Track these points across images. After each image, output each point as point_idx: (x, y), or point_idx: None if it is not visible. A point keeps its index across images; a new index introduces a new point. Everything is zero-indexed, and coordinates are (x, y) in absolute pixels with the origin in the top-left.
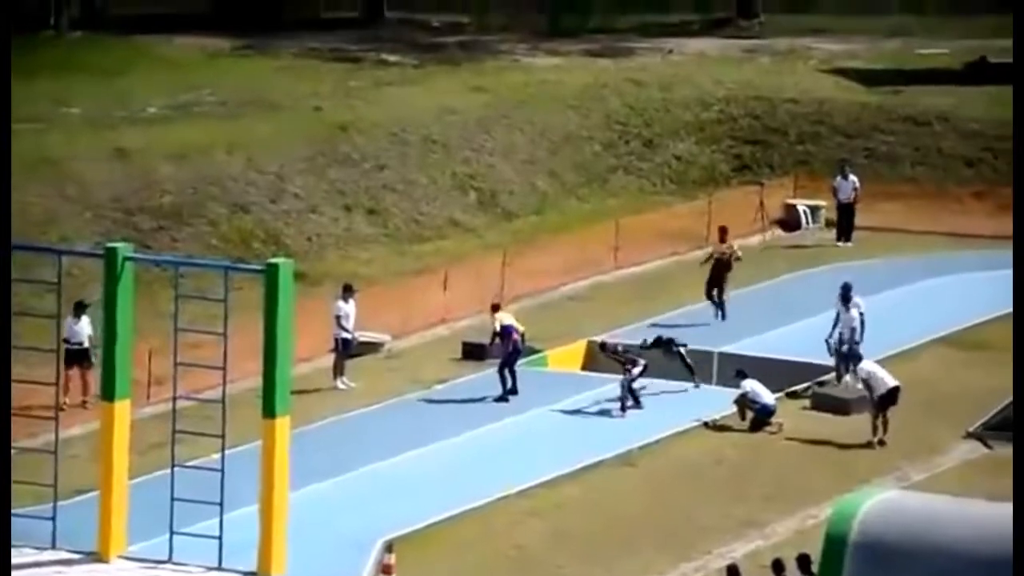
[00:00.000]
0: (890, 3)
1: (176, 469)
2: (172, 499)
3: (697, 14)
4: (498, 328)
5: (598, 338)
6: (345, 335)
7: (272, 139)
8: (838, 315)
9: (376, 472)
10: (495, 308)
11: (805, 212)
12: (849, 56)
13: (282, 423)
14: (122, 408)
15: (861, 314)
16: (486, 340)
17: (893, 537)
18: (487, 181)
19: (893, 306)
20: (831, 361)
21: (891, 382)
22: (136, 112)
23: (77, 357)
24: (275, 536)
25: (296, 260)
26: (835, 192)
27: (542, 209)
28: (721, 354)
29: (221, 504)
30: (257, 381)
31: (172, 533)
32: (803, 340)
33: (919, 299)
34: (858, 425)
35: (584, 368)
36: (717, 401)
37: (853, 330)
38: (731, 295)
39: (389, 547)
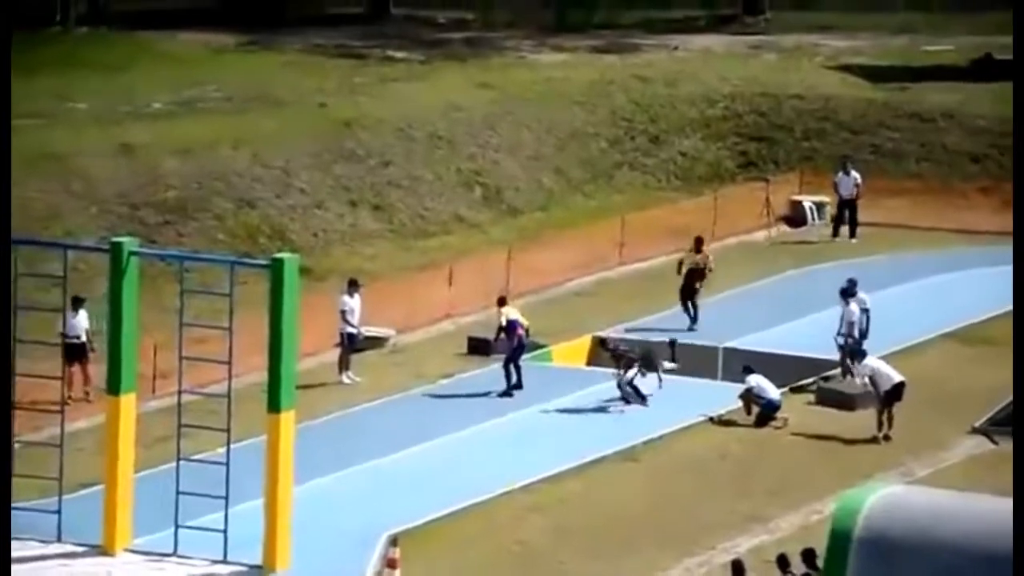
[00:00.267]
0: (896, 0)
1: (181, 463)
2: (177, 493)
3: (703, 10)
4: (503, 323)
5: (602, 334)
6: (350, 330)
7: (277, 135)
8: (852, 312)
9: (381, 467)
10: (501, 302)
11: (811, 208)
12: (855, 53)
13: (287, 417)
14: (127, 402)
15: (866, 310)
16: (491, 335)
17: (898, 532)
18: (492, 177)
19: (899, 302)
20: (837, 356)
21: (896, 378)
22: (141, 107)
23: (76, 351)
24: (280, 530)
25: (302, 255)
26: (836, 188)
27: (548, 205)
28: (726, 349)
29: (226, 498)
30: (262, 376)
31: (177, 526)
32: (808, 336)
33: (925, 295)
34: (863, 420)
35: (589, 363)
36: (722, 396)
37: (851, 324)
38: (737, 291)
39: (394, 541)
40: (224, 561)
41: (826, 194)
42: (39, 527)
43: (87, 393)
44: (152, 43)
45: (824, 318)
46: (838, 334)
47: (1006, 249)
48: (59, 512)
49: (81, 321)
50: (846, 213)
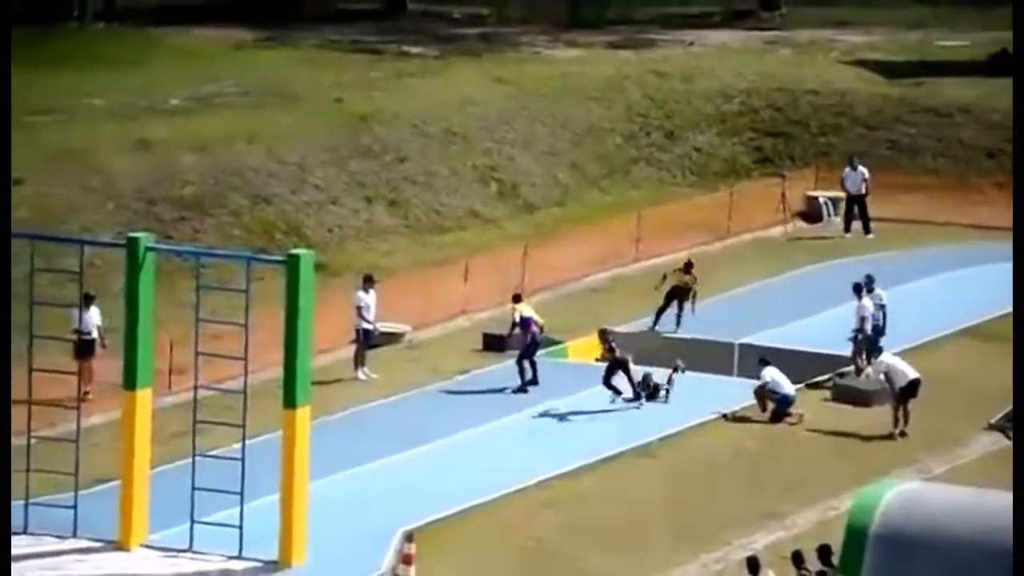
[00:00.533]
0: None
1: (197, 459)
2: (193, 488)
3: (718, 6)
4: (517, 319)
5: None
6: (366, 326)
7: (293, 130)
8: (864, 306)
9: (396, 463)
10: (516, 299)
11: (826, 204)
12: (870, 48)
13: (303, 413)
14: (144, 397)
15: (883, 306)
16: (507, 331)
17: (914, 528)
18: (508, 173)
19: (915, 298)
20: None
21: (912, 374)
22: (158, 103)
23: (86, 348)
24: (295, 525)
25: (317, 251)
26: (843, 183)
27: (563, 201)
28: (742, 345)
29: (242, 494)
30: (278, 371)
31: (193, 522)
32: (824, 332)
33: (941, 291)
34: (879, 417)
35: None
36: (738, 392)
37: (863, 319)
38: (753, 287)
39: (409, 537)
40: (240, 557)
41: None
42: (55, 522)
43: (86, 392)
44: (169, 39)
45: (840, 314)
46: (852, 330)
47: None
48: (75, 507)
49: (93, 318)
50: (855, 209)
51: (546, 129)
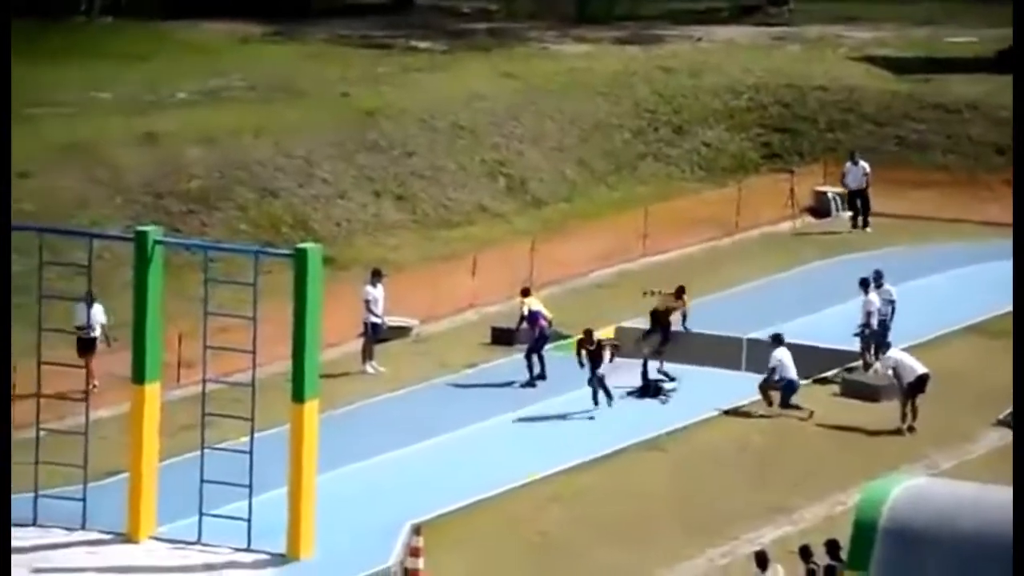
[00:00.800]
0: None
1: (206, 451)
2: (202, 481)
3: (726, 1)
4: (526, 313)
5: (625, 324)
6: (374, 320)
7: (300, 125)
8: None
9: (404, 456)
10: (525, 293)
11: (835, 199)
12: (879, 44)
13: (311, 407)
14: (152, 390)
15: (892, 302)
16: (515, 325)
17: (922, 523)
18: (516, 168)
19: (924, 294)
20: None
21: (920, 369)
22: (166, 97)
23: (88, 344)
24: (303, 518)
25: (325, 245)
26: (843, 178)
27: (571, 196)
28: (750, 340)
29: (250, 486)
30: (286, 365)
31: (201, 515)
32: (832, 327)
33: (949, 287)
34: (887, 412)
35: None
36: (746, 388)
37: (869, 314)
38: (761, 282)
39: (417, 530)
40: (248, 549)
41: None
42: (64, 515)
43: (93, 387)
44: (176, 33)
45: (848, 309)
46: (858, 325)
47: None
48: (84, 500)
49: (97, 316)
50: (858, 203)
51: (554, 124)
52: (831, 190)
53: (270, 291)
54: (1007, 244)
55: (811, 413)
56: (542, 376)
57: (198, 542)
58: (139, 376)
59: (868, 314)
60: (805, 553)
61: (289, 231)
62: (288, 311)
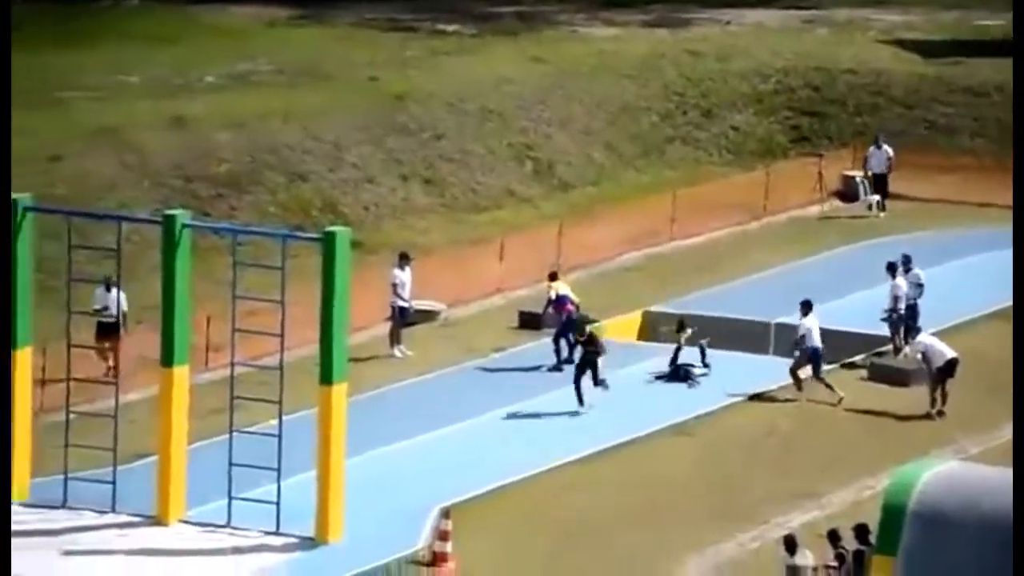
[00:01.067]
0: None
1: (234, 435)
2: (230, 464)
3: None
4: (553, 297)
5: (652, 308)
6: (401, 303)
7: (329, 108)
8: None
9: (432, 440)
10: (552, 277)
11: (863, 183)
12: (907, 27)
13: (339, 390)
14: (180, 374)
15: (920, 286)
16: (542, 309)
17: (951, 508)
18: (544, 151)
19: (952, 278)
20: (888, 332)
21: (949, 354)
22: (194, 81)
23: (109, 330)
24: (332, 502)
25: (353, 229)
26: (866, 161)
27: (599, 180)
28: (778, 325)
29: (279, 470)
30: (314, 348)
31: (230, 498)
32: (860, 311)
33: (978, 272)
34: (916, 397)
35: (640, 338)
36: (775, 372)
37: (896, 299)
38: (789, 267)
39: (446, 514)
40: (277, 533)
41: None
42: (94, 497)
43: (108, 371)
44: (204, 16)
45: (876, 294)
46: (884, 310)
47: None
48: (114, 483)
49: (117, 301)
50: (878, 187)
51: (582, 108)
52: (859, 174)
53: (298, 275)
54: None
55: (841, 400)
56: (570, 360)
57: (227, 525)
58: (168, 359)
59: (895, 298)
60: (834, 537)
61: (318, 215)
62: (316, 295)
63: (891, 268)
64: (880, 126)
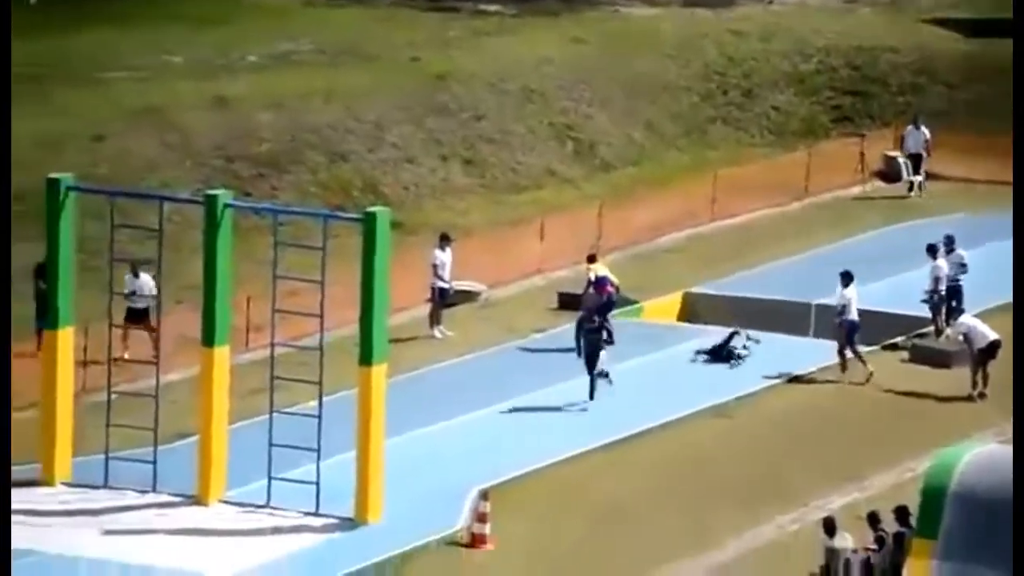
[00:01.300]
0: None
1: (274, 415)
2: (270, 445)
3: None
4: (593, 278)
5: (693, 290)
6: (442, 284)
7: (370, 89)
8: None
9: (472, 421)
10: (591, 259)
11: (905, 164)
12: (951, 6)
13: (379, 371)
14: (221, 354)
15: (964, 265)
16: (582, 290)
17: (992, 490)
18: (585, 132)
19: (995, 259)
20: (930, 314)
21: (991, 336)
22: (236, 61)
23: (138, 314)
24: (372, 482)
25: (393, 209)
26: (903, 141)
27: (639, 160)
28: (819, 306)
29: (318, 450)
30: (354, 328)
31: (270, 478)
32: (901, 293)
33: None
34: (958, 378)
35: (680, 319)
36: (815, 354)
37: (937, 280)
38: (831, 247)
39: (484, 495)
40: (316, 513)
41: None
42: (135, 477)
43: (123, 358)
44: None
45: (918, 275)
46: (925, 291)
47: None
48: (154, 463)
49: (145, 287)
50: (915, 168)
51: (623, 88)
52: (901, 155)
53: (339, 255)
54: None
55: (871, 374)
56: (610, 341)
57: (267, 505)
58: (208, 339)
59: (936, 280)
60: (873, 519)
61: (358, 195)
62: (356, 275)
63: (931, 249)
64: (920, 106)
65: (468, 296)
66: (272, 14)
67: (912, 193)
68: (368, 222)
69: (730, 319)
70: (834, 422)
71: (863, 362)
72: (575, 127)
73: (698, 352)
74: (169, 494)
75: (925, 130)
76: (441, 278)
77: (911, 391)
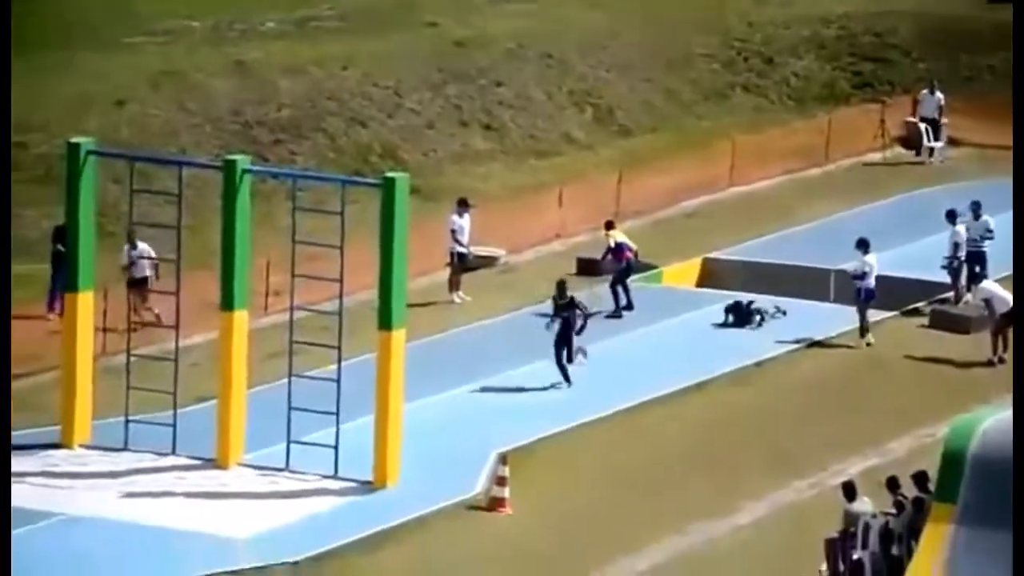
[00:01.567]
0: None
1: (293, 379)
2: (289, 408)
3: None
4: (612, 244)
5: (712, 255)
6: (460, 249)
7: (389, 55)
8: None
9: (490, 385)
10: (609, 226)
11: (926, 130)
12: None
13: (398, 335)
14: (240, 318)
15: (990, 230)
16: (600, 256)
17: (1012, 455)
18: (604, 98)
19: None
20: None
21: (1012, 301)
22: (255, 26)
23: (138, 283)
24: (390, 446)
25: (412, 175)
26: (916, 106)
27: (659, 126)
28: (838, 272)
29: (337, 414)
30: (373, 293)
31: (289, 442)
32: (922, 258)
33: None
34: (978, 344)
35: (699, 285)
36: (835, 319)
37: (956, 246)
38: (850, 213)
39: (503, 459)
40: (335, 477)
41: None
42: (154, 440)
43: (156, 316)
44: None
45: (939, 240)
46: (945, 257)
47: None
48: (174, 426)
49: (141, 252)
50: (929, 132)
51: (642, 54)
52: (922, 121)
53: (358, 220)
54: None
55: (869, 344)
56: (628, 307)
57: (286, 469)
58: (228, 303)
59: (956, 245)
60: (893, 484)
61: (377, 160)
62: (375, 240)
63: (951, 216)
64: (943, 72)
65: (487, 261)
66: None
67: (929, 159)
68: (387, 187)
69: (749, 285)
70: (854, 387)
71: (866, 330)
72: (594, 93)
73: (726, 309)
74: (188, 457)
75: (940, 95)
76: (460, 243)
77: (931, 356)
